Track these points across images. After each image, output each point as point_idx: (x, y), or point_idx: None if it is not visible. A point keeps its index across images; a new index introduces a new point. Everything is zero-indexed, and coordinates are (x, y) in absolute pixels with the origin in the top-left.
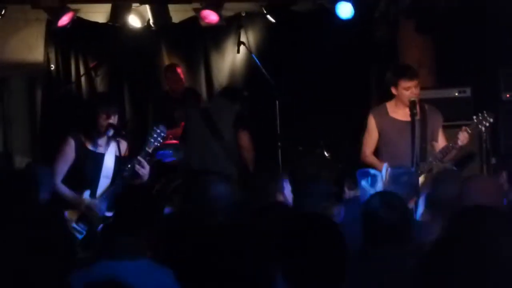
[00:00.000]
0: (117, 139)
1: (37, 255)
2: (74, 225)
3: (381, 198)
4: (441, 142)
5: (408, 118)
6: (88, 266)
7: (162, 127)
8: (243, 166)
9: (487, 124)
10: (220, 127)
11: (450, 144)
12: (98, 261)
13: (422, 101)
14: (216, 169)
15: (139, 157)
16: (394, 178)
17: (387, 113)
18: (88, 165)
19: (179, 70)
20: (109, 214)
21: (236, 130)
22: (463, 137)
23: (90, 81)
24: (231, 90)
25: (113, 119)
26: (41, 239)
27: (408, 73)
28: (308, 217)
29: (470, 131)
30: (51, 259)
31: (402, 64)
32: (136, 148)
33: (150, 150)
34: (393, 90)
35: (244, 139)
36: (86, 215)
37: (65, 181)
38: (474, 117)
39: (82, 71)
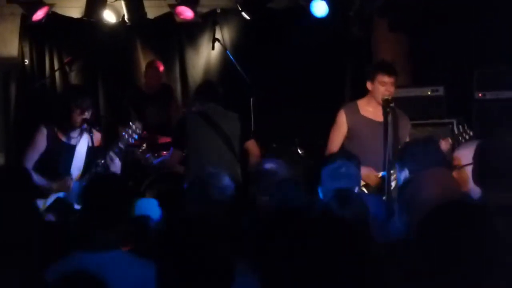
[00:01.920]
0: (91, 134)
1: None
2: (46, 217)
3: (336, 194)
4: None
5: (380, 118)
6: (62, 259)
7: (137, 124)
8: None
9: (467, 137)
10: (225, 130)
11: None
12: (73, 254)
13: (394, 102)
14: (229, 172)
15: (110, 153)
16: (331, 173)
17: (358, 111)
18: (60, 156)
19: (161, 68)
20: (77, 207)
21: (245, 139)
22: (444, 146)
23: (65, 76)
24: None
25: (87, 114)
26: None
27: (388, 68)
28: (286, 214)
29: (451, 143)
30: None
31: (382, 60)
32: (109, 143)
33: (123, 146)
34: (369, 85)
35: (254, 146)
36: (58, 204)
37: (36, 170)
38: (455, 129)
39: (56, 66)
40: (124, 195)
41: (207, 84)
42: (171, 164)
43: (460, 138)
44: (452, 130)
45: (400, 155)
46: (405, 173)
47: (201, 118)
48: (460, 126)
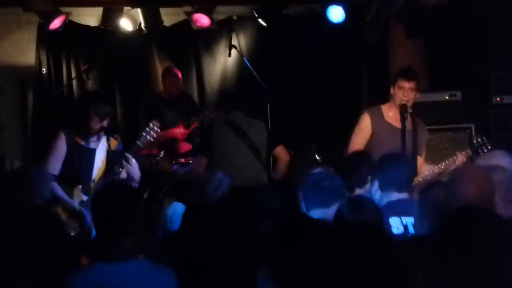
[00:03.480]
0: (108, 140)
1: (33, 259)
2: (66, 221)
3: (349, 202)
4: (422, 159)
5: (399, 125)
6: (85, 270)
7: (155, 122)
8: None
9: (485, 150)
10: (252, 138)
11: (447, 162)
12: (94, 265)
13: (412, 108)
14: (253, 179)
15: (126, 154)
16: (314, 183)
17: (382, 116)
18: (80, 160)
19: (178, 73)
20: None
21: (274, 145)
22: (461, 160)
23: (82, 84)
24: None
25: (106, 122)
26: (38, 242)
27: (407, 73)
28: (296, 220)
29: (470, 155)
30: (48, 263)
31: (406, 66)
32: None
33: (141, 144)
34: (391, 90)
35: (284, 152)
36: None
37: (58, 179)
38: (474, 141)
39: (73, 74)
40: (136, 204)
41: (231, 93)
42: (199, 171)
43: (479, 150)
44: (471, 141)
45: (373, 169)
46: (375, 186)
47: (228, 126)
48: (479, 139)
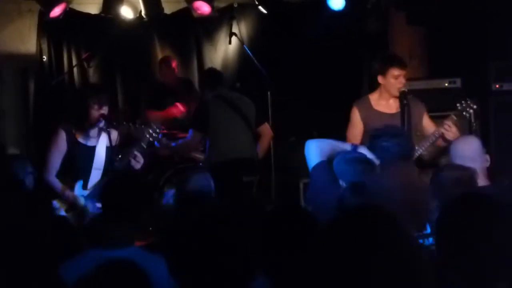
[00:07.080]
0: (108, 129)
1: (23, 246)
2: (64, 214)
3: (351, 186)
4: (430, 128)
5: (392, 110)
6: (78, 256)
7: (158, 124)
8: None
9: (471, 111)
10: (243, 111)
11: (436, 133)
12: (88, 251)
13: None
14: (248, 151)
15: (135, 152)
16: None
17: (371, 106)
18: (79, 158)
19: (174, 64)
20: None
21: (260, 123)
22: (439, 130)
23: (83, 72)
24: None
25: (105, 110)
26: (27, 230)
27: (399, 61)
28: (285, 213)
29: (455, 119)
30: (39, 250)
31: (391, 53)
32: (127, 138)
33: (145, 146)
34: (380, 79)
35: (268, 128)
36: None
37: (59, 171)
38: (458, 104)
39: (74, 62)
40: (142, 192)
41: (212, 70)
42: (192, 144)
43: (464, 113)
44: (454, 106)
45: (371, 145)
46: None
47: (221, 100)
48: (463, 101)
